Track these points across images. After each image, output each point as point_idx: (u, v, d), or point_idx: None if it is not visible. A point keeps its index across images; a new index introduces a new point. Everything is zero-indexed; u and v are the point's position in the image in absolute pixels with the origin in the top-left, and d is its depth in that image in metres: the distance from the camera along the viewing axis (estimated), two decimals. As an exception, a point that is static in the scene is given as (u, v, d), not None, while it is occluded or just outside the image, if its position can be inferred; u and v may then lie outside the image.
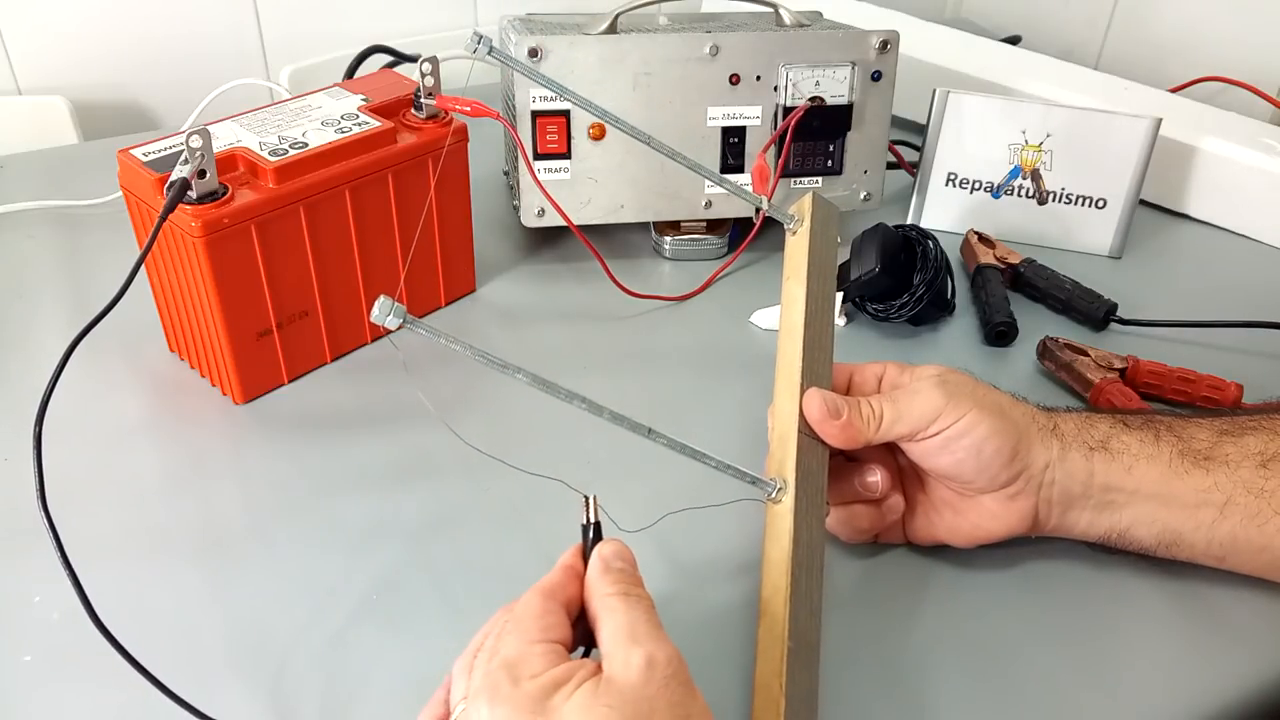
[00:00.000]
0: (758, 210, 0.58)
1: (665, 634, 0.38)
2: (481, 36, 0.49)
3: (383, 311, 0.39)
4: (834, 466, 0.51)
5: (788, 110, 0.75)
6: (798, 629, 0.43)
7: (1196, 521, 0.50)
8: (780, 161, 0.77)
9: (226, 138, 0.62)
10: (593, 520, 0.43)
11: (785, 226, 0.58)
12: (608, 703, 0.35)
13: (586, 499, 0.43)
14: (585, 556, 0.42)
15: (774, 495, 0.48)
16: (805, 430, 0.49)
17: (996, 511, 0.50)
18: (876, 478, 0.51)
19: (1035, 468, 0.49)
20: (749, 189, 0.78)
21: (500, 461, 0.47)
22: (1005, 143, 0.84)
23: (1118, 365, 0.67)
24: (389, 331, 0.43)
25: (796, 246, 0.56)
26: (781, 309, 0.55)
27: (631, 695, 0.35)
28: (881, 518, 0.52)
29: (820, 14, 0.85)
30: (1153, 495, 0.50)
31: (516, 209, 0.79)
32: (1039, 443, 0.50)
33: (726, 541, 0.55)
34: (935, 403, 0.49)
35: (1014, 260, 0.79)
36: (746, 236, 0.80)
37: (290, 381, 0.66)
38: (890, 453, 0.53)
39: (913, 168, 0.90)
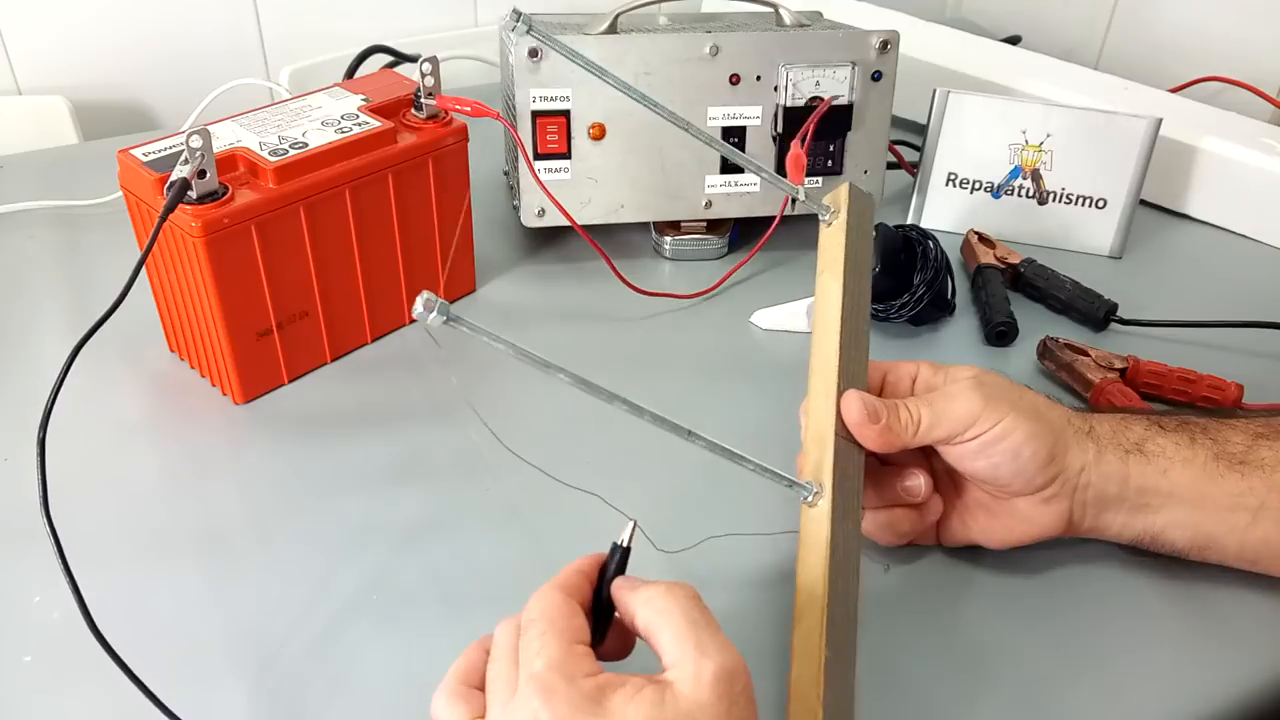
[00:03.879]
0: (793, 201, 0.56)
1: (727, 638, 0.37)
2: (521, 14, 0.48)
3: (426, 308, 0.37)
4: (872, 469, 0.51)
5: (788, 110, 0.75)
6: (835, 637, 0.43)
7: (1230, 525, 0.50)
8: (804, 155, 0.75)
9: (226, 138, 0.62)
10: (627, 545, 0.41)
11: (820, 218, 0.56)
12: (676, 711, 0.34)
13: (634, 524, 0.41)
14: (604, 574, 0.41)
15: (810, 499, 0.47)
16: (842, 433, 0.48)
17: (1031, 514, 0.50)
18: (919, 482, 0.51)
19: (1071, 471, 0.49)
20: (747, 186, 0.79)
21: (542, 471, 0.46)
22: (1005, 143, 0.84)
23: (1118, 365, 0.67)
24: (413, 320, 0.42)
25: (831, 239, 0.54)
26: (816, 303, 0.53)
27: (698, 708, 0.34)
28: (921, 520, 0.52)
29: (820, 14, 0.85)
30: (1187, 498, 0.50)
31: (516, 209, 0.79)
32: (1075, 445, 0.49)
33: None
34: (973, 406, 0.48)
35: (1014, 260, 0.79)
36: (747, 237, 0.80)
37: (290, 381, 0.66)
38: (924, 454, 0.53)
39: (913, 168, 0.90)
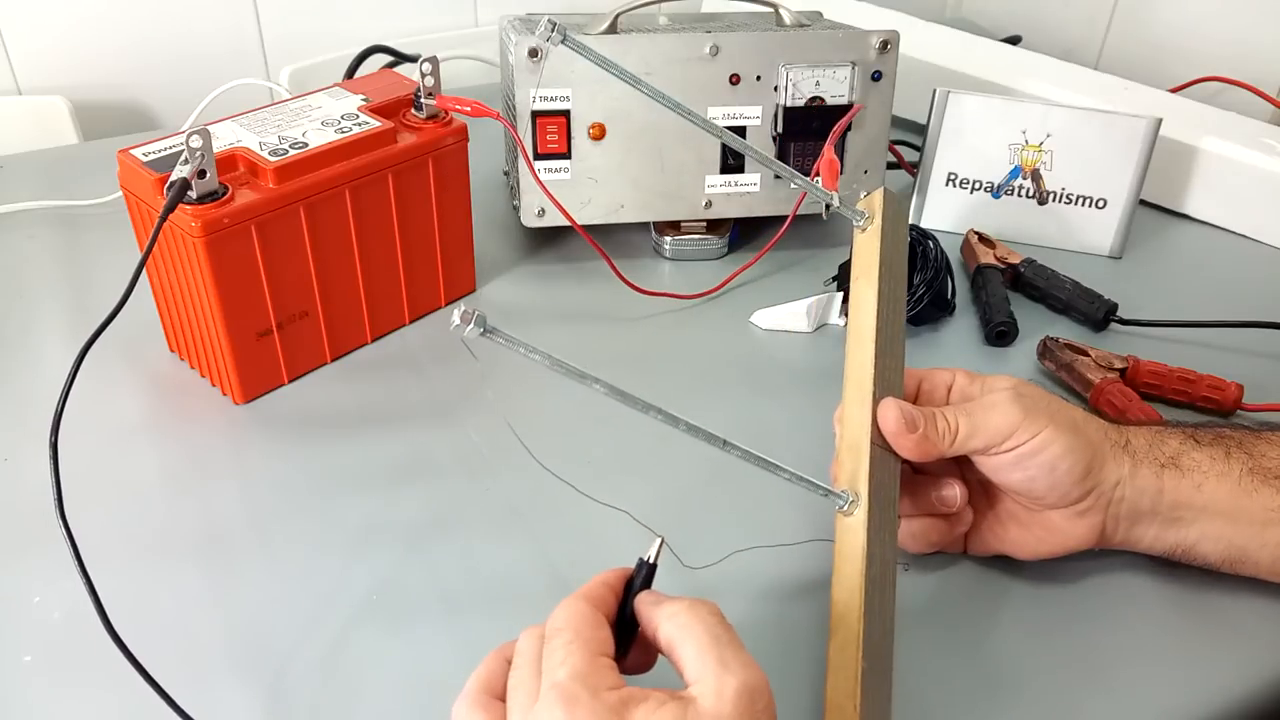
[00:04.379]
0: (826, 206, 0.55)
1: (749, 655, 0.37)
2: (555, 24, 0.48)
3: (464, 320, 0.37)
4: (905, 478, 0.50)
5: (788, 110, 0.75)
6: (872, 648, 0.42)
7: (1263, 540, 0.49)
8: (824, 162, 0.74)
9: (226, 138, 0.62)
10: (653, 561, 0.41)
11: (854, 224, 0.55)
12: None
13: (661, 540, 0.41)
14: (630, 588, 0.41)
15: (846, 508, 0.47)
16: (878, 441, 0.48)
17: (1064, 526, 0.50)
18: (954, 492, 0.51)
19: (1106, 485, 0.49)
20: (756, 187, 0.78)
21: (571, 486, 0.46)
22: (1005, 143, 0.84)
23: (1118, 365, 0.67)
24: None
25: (866, 245, 0.54)
26: (850, 310, 0.53)
27: None
28: (951, 530, 0.52)
29: (820, 14, 0.85)
30: (1221, 513, 0.49)
31: (516, 209, 0.79)
32: (1111, 460, 0.49)
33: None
34: (1012, 418, 0.48)
35: (1014, 260, 0.79)
36: (747, 237, 0.80)
37: (290, 381, 0.66)
38: (956, 463, 0.52)
39: (913, 168, 0.90)
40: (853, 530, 0.46)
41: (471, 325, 0.37)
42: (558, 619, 0.38)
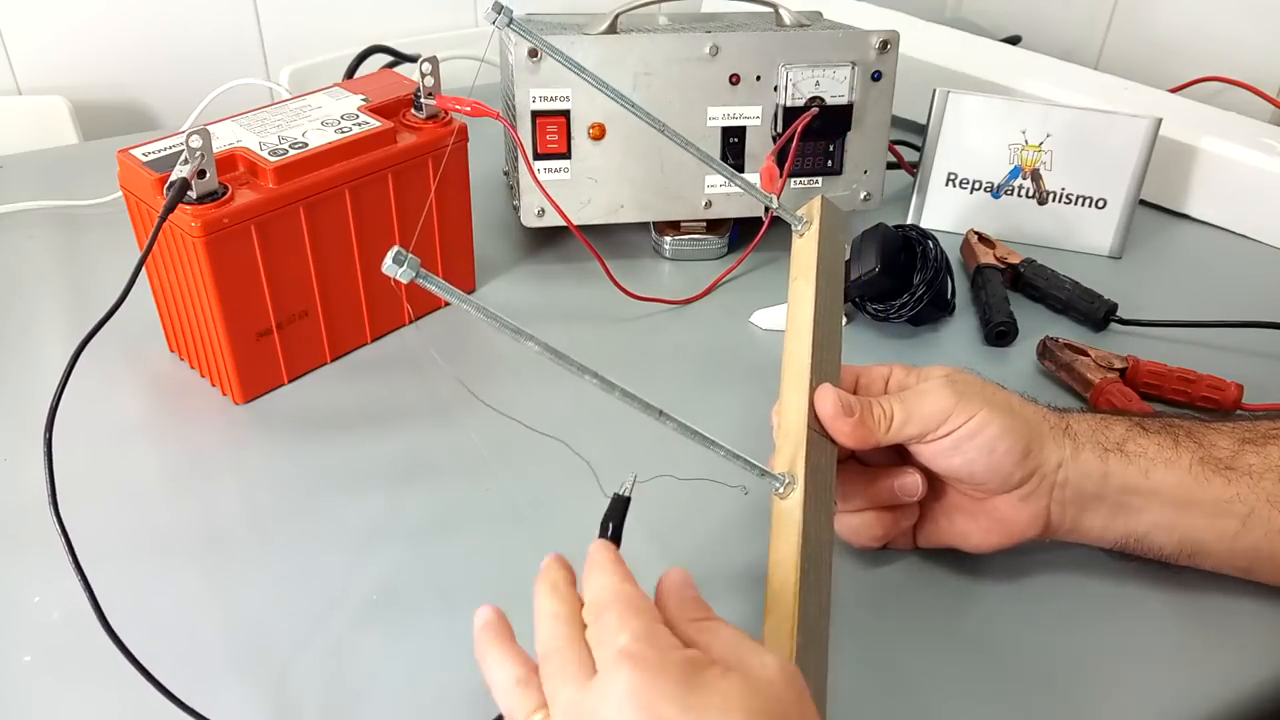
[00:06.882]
0: (767, 209, 0.57)
1: None
2: (502, 7, 0.47)
3: (396, 262, 0.37)
4: (862, 473, 0.51)
5: (788, 110, 0.75)
6: (807, 625, 0.43)
7: (1219, 532, 0.49)
8: (788, 164, 0.76)
9: (226, 138, 0.62)
10: (627, 495, 0.43)
11: (793, 228, 0.57)
12: (766, 696, 0.34)
13: (633, 477, 0.43)
14: (603, 527, 0.42)
15: (781, 490, 0.47)
16: (815, 427, 0.48)
17: (1009, 514, 0.50)
18: (915, 479, 0.50)
19: (1048, 466, 0.49)
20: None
21: (508, 417, 0.47)
22: (1005, 143, 0.84)
23: (1118, 365, 0.67)
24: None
25: (804, 248, 0.56)
26: (789, 308, 0.54)
27: (780, 695, 0.35)
28: (896, 523, 0.52)
29: (820, 14, 0.85)
30: (1171, 501, 0.49)
31: (516, 209, 0.79)
32: (1051, 441, 0.49)
33: (726, 544, 0.54)
34: (945, 403, 0.48)
35: (1014, 260, 0.79)
36: (747, 237, 0.80)
37: (290, 381, 0.66)
38: (899, 457, 0.52)
39: (913, 168, 0.90)
40: (789, 512, 0.46)
41: (405, 267, 0.37)
42: (597, 594, 0.38)
